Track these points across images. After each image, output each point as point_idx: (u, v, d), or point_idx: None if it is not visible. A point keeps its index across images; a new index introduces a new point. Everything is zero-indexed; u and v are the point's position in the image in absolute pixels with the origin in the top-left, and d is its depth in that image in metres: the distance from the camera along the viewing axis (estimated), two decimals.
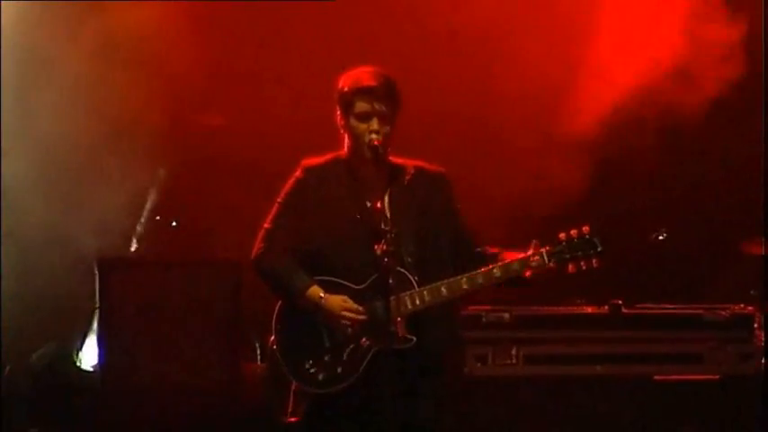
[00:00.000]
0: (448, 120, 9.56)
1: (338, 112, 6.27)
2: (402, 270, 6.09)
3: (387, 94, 6.17)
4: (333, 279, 6.10)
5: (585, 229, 6.08)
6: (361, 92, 6.18)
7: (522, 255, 6.11)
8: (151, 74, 9.60)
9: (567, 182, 9.37)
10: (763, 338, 8.02)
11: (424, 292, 6.09)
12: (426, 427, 6.16)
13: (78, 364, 9.08)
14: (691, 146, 9.51)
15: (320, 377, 6.07)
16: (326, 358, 6.08)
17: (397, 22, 9.77)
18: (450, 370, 6.44)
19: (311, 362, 6.09)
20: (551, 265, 6.08)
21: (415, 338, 6.03)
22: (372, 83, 6.17)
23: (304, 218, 6.18)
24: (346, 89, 6.21)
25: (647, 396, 8.09)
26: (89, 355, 9.02)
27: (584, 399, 8.11)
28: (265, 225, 6.23)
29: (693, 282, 9.27)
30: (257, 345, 9.14)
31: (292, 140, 9.16)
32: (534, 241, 6.12)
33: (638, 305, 8.27)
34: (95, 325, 8.80)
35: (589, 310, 8.26)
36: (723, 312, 8.19)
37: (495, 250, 6.24)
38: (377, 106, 6.16)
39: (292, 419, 6.14)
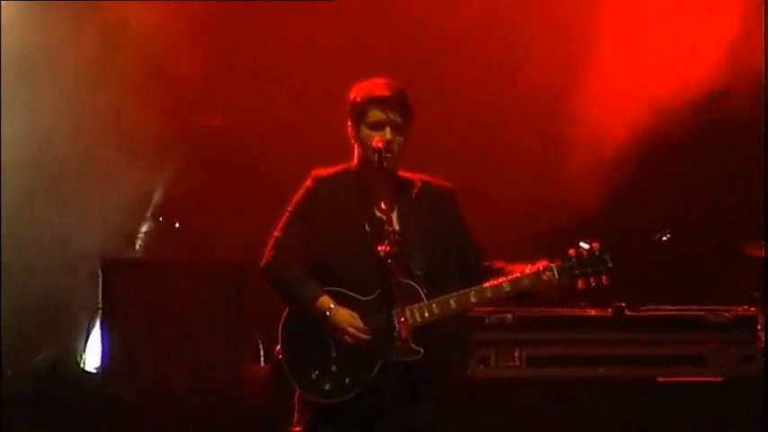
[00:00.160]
0: (450, 121, 9.55)
1: (349, 123, 6.25)
2: (411, 282, 6.09)
3: (400, 104, 6.17)
4: (341, 290, 6.10)
5: (595, 245, 6.11)
6: (375, 101, 6.18)
7: (531, 270, 6.12)
8: (153, 74, 9.59)
9: (571, 186, 9.39)
10: (764, 340, 8.03)
11: (433, 305, 6.09)
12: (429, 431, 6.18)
13: (81, 365, 9.08)
14: (692, 147, 9.50)
15: (327, 387, 6.06)
16: (333, 368, 6.07)
17: (397, 24, 9.76)
18: (454, 375, 6.46)
19: (317, 371, 6.08)
20: (561, 281, 6.10)
21: (422, 351, 6.03)
22: (386, 93, 6.18)
23: (314, 228, 6.18)
24: (359, 99, 6.20)
25: (650, 398, 8.09)
26: (92, 357, 9.01)
27: (587, 400, 8.11)
28: (275, 233, 6.23)
29: (696, 283, 9.28)
30: (260, 346, 9.14)
31: (295, 142, 9.19)
32: (544, 260, 6.14)
33: (641, 307, 8.27)
34: (98, 326, 8.78)
35: (592, 312, 8.26)
36: (726, 314, 8.20)
37: (500, 264, 6.26)
38: (390, 116, 6.16)
39: (297, 429, 6.15)
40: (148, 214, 9.84)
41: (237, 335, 8.70)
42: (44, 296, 9.33)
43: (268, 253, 6.21)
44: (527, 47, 9.64)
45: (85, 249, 9.31)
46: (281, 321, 6.18)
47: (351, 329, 6.03)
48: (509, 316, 8.19)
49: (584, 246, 6.15)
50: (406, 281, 6.09)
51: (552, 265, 6.12)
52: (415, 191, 6.29)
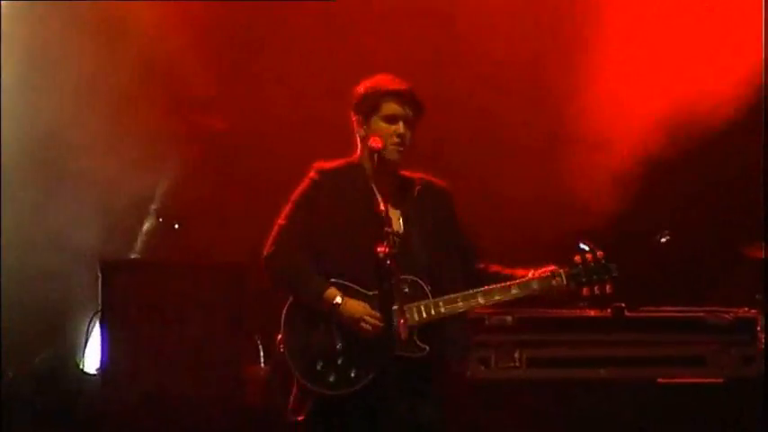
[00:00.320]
0: (451, 121, 9.55)
1: (357, 117, 6.26)
2: (416, 279, 6.11)
3: (414, 99, 6.23)
4: (346, 283, 6.11)
5: (600, 253, 6.18)
6: (391, 94, 6.21)
7: (540, 274, 6.17)
8: (154, 75, 9.59)
9: (575, 187, 9.39)
10: (765, 341, 8.03)
11: (440, 303, 6.13)
12: (432, 430, 6.19)
13: (81, 367, 9.07)
14: (693, 147, 9.50)
15: (332, 378, 6.07)
16: (339, 361, 6.08)
17: (400, 23, 9.76)
18: (453, 373, 6.48)
19: (322, 363, 6.08)
20: (569, 287, 6.16)
21: (428, 348, 6.05)
22: (402, 86, 6.23)
23: (317, 219, 6.18)
24: (374, 90, 6.22)
25: (651, 399, 8.09)
26: (92, 358, 9.00)
27: (588, 401, 8.11)
28: (280, 222, 6.22)
29: (697, 284, 9.28)
30: (260, 347, 9.14)
31: (296, 143, 9.17)
32: (551, 265, 6.19)
33: (641, 308, 8.26)
34: (98, 327, 8.77)
35: (592, 313, 8.25)
36: (726, 315, 8.19)
37: (496, 268, 6.31)
38: (405, 110, 6.20)
39: (299, 418, 6.14)
40: (149, 215, 9.83)
41: (238, 336, 8.68)
42: (44, 298, 9.33)
43: (272, 241, 6.20)
44: (531, 45, 9.64)
45: (85, 250, 9.31)
46: (284, 312, 6.17)
47: (368, 317, 6.04)
48: (509, 317, 8.19)
49: (585, 248, 6.20)
50: (412, 277, 6.11)
51: (561, 271, 6.18)
52: (417, 190, 6.31)
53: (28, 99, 9.54)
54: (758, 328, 8.06)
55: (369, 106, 6.25)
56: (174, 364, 8.53)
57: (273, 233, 6.22)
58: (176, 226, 9.76)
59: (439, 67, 9.67)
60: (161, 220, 9.79)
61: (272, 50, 9.91)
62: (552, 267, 6.23)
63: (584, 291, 6.19)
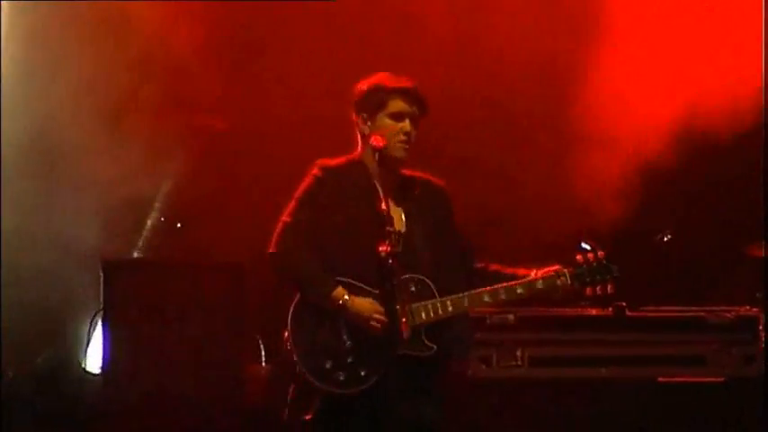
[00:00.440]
0: (452, 121, 9.56)
1: (361, 114, 6.25)
2: (423, 278, 6.12)
3: (420, 98, 6.22)
4: (351, 281, 6.11)
5: (601, 253, 6.21)
6: (398, 91, 6.21)
7: (544, 274, 6.20)
8: (155, 74, 9.59)
9: (578, 183, 9.41)
10: (765, 340, 8.04)
11: (447, 302, 6.14)
12: (434, 428, 6.19)
13: (83, 366, 9.07)
14: (695, 147, 9.51)
15: (341, 377, 6.06)
16: (349, 359, 6.07)
17: (403, 22, 9.76)
18: (455, 371, 6.50)
19: (331, 362, 6.07)
20: (574, 287, 6.20)
21: (435, 347, 6.06)
22: (410, 84, 6.22)
23: (321, 216, 6.18)
24: (380, 88, 6.21)
25: (652, 398, 8.09)
26: (94, 358, 8.99)
27: (589, 400, 8.12)
28: (285, 218, 6.21)
29: (698, 284, 9.29)
30: (261, 346, 9.15)
31: (297, 143, 9.16)
32: (556, 265, 6.21)
33: (642, 307, 8.28)
34: (100, 327, 8.76)
35: (594, 312, 8.27)
36: (727, 315, 8.20)
37: (496, 267, 6.32)
38: (413, 107, 6.20)
39: (306, 417, 6.13)
40: (151, 215, 9.82)
41: (239, 335, 8.68)
42: (44, 297, 9.32)
43: (277, 239, 6.18)
44: (540, 44, 9.65)
45: (87, 250, 9.30)
46: (291, 310, 6.15)
47: (377, 315, 6.04)
48: (511, 316, 8.20)
49: (587, 248, 6.23)
50: (419, 276, 6.12)
51: (565, 270, 6.21)
52: (418, 189, 6.32)
53: (28, 98, 9.53)
54: (759, 327, 8.06)
55: (375, 103, 6.24)
56: (176, 363, 8.51)
57: (278, 230, 6.21)
58: (178, 225, 9.76)
59: (446, 65, 9.67)
60: (163, 219, 9.79)
61: (272, 50, 9.91)
62: (556, 267, 6.26)
63: (588, 290, 6.24)
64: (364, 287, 6.10)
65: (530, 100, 9.66)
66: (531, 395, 8.13)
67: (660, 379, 8.11)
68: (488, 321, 8.18)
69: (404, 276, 6.04)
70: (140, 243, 9.78)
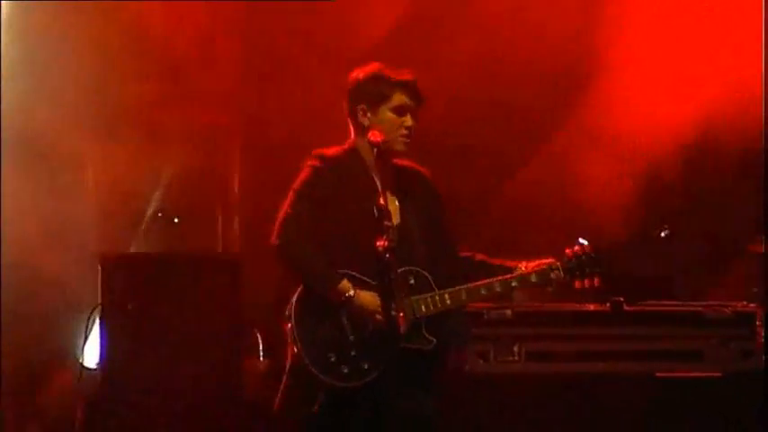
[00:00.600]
0: (454, 119, 9.57)
1: (360, 105, 6.23)
2: (421, 270, 6.13)
3: (419, 91, 6.23)
4: (353, 274, 6.11)
5: (588, 247, 6.24)
6: (402, 85, 6.21)
7: (537, 267, 6.23)
8: (154, 70, 9.60)
9: (579, 180, 9.42)
10: (764, 335, 8.03)
11: (446, 295, 6.16)
12: (432, 421, 6.21)
13: (81, 361, 9.07)
14: (694, 144, 9.53)
15: (345, 370, 6.07)
16: (352, 352, 6.08)
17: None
18: (452, 363, 6.51)
19: (335, 355, 6.08)
20: (566, 280, 6.24)
21: (435, 340, 6.08)
22: (412, 77, 6.22)
23: (321, 207, 6.18)
24: (382, 80, 6.20)
25: (649, 393, 8.09)
26: (92, 353, 9.00)
27: (586, 395, 8.11)
28: (286, 210, 6.20)
29: (697, 279, 9.30)
30: (259, 340, 9.15)
31: (295, 137, 9.17)
32: (549, 258, 6.25)
33: (639, 302, 8.27)
34: (97, 322, 8.77)
35: (591, 307, 8.26)
36: (725, 310, 8.20)
37: (482, 257, 6.35)
38: (414, 101, 6.21)
39: (310, 411, 6.14)
40: (148, 209, 9.83)
41: (237, 330, 8.69)
42: (42, 293, 9.33)
43: (281, 230, 6.16)
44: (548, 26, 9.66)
45: (84, 245, 9.32)
46: (294, 303, 6.14)
47: (381, 310, 6.05)
48: (508, 311, 8.19)
49: (585, 242, 6.28)
50: (417, 269, 6.13)
51: (558, 264, 6.24)
52: (410, 180, 6.32)
53: (28, 98, 9.54)
54: (757, 323, 8.06)
55: (376, 95, 6.23)
56: (173, 357, 8.52)
57: (279, 222, 6.20)
58: (176, 220, 9.76)
59: (448, 64, 9.68)
60: (160, 214, 9.80)
61: (273, 49, 9.92)
62: (549, 260, 6.29)
63: (577, 284, 6.30)
64: (366, 280, 6.11)
65: (530, 99, 9.66)
66: (529, 390, 8.12)
67: (658, 374, 8.09)
68: (486, 316, 8.17)
69: (402, 269, 6.05)
70: (137, 238, 9.78)
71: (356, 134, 6.31)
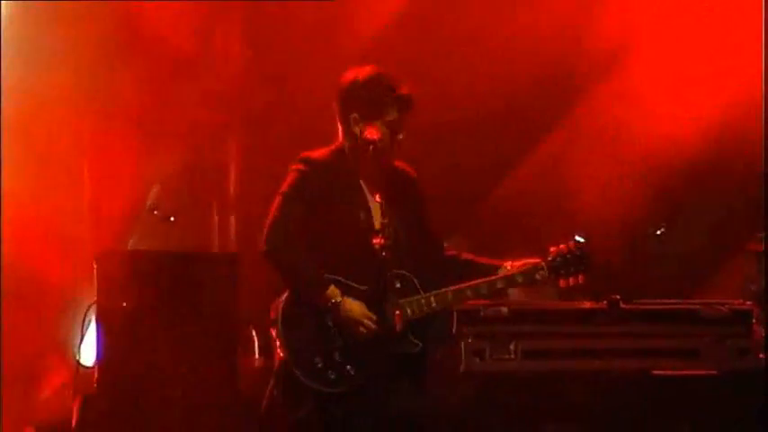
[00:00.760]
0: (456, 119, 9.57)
1: (353, 114, 6.21)
2: (406, 273, 6.13)
3: (413, 104, 6.21)
4: (339, 278, 6.10)
5: (572, 244, 6.25)
6: (401, 100, 6.17)
7: (523, 267, 6.23)
8: (152, 68, 9.61)
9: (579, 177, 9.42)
10: (761, 334, 8.02)
11: (431, 298, 6.17)
12: (424, 422, 6.20)
13: (77, 359, 9.08)
14: (694, 143, 9.52)
15: (332, 376, 6.07)
16: (337, 357, 6.08)
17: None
18: (442, 365, 6.51)
19: (322, 360, 6.08)
20: (551, 279, 6.24)
21: (420, 344, 6.08)
22: (408, 92, 6.17)
23: (308, 211, 6.18)
24: (381, 93, 6.15)
25: (645, 391, 8.08)
26: (88, 350, 9.01)
27: (582, 393, 8.10)
28: (274, 214, 6.19)
29: (693, 277, 9.29)
30: (255, 338, 9.15)
31: (292, 136, 9.17)
32: (535, 257, 6.25)
33: (636, 300, 8.26)
34: (93, 319, 8.78)
35: (587, 304, 8.24)
36: (721, 308, 8.18)
37: (468, 257, 6.35)
38: (408, 115, 6.18)
39: (297, 415, 6.14)
40: (145, 207, 9.84)
41: (233, 328, 8.69)
42: (40, 291, 9.34)
43: (269, 234, 6.18)
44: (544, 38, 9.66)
45: (80, 242, 9.32)
46: (281, 308, 6.15)
47: (366, 321, 6.05)
48: (504, 309, 8.15)
49: (581, 240, 6.28)
50: (401, 272, 6.12)
51: (543, 264, 6.24)
52: (399, 182, 6.32)
53: (28, 97, 9.55)
54: (753, 321, 8.05)
55: (373, 109, 6.21)
56: (170, 355, 8.53)
57: (267, 227, 6.21)
58: (172, 218, 9.77)
59: (448, 63, 9.68)
60: (156, 212, 9.80)
61: (271, 47, 9.92)
62: (535, 260, 6.29)
63: (562, 282, 6.30)
64: (353, 285, 6.11)
65: (528, 98, 9.66)
66: (525, 388, 8.11)
67: (654, 372, 8.08)
68: (482, 314, 8.14)
69: (388, 273, 6.05)
70: (134, 236, 9.79)
71: (344, 136, 6.29)
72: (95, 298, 8.65)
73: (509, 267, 6.29)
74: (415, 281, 6.18)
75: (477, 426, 7.97)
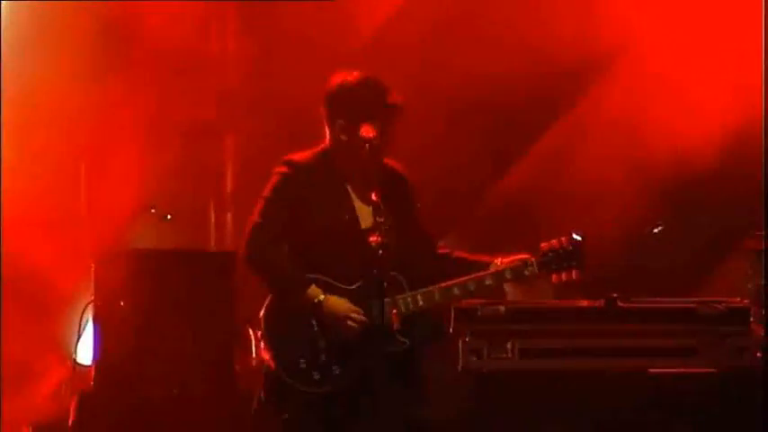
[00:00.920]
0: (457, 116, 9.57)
1: (339, 121, 6.18)
2: (393, 272, 6.11)
3: (401, 111, 6.18)
4: (325, 279, 6.09)
5: (564, 240, 6.22)
6: (396, 111, 6.14)
7: (513, 264, 6.21)
8: (150, 67, 9.61)
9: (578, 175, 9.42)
10: (759, 332, 8.01)
11: (418, 297, 6.15)
12: (417, 420, 6.20)
13: (74, 358, 9.08)
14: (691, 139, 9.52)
15: (316, 376, 6.07)
16: (322, 357, 6.08)
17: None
18: (434, 363, 6.50)
19: (305, 361, 6.08)
20: (540, 275, 6.21)
21: (408, 342, 6.06)
22: (398, 101, 6.14)
23: (291, 214, 6.16)
24: (371, 100, 6.12)
25: (643, 389, 8.07)
26: (85, 350, 9.01)
27: (580, 392, 8.08)
28: (254, 218, 6.19)
29: (691, 275, 9.28)
30: (252, 337, 9.14)
31: (288, 135, 9.17)
32: (524, 254, 6.22)
33: (633, 298, 8.24)
34: (91, 319, 8.78)
35: (585, 303, 8.23)
36: (719, 306, 8.16)
37: (460, 254, 6.33)
38: (394, 123, 6.16)
39: (284, 416, 6.14)
40: (142, 206, 9.83)
41: (230, 326, 8.69)
42: (39, 290, 9.34)
43: (249, 238, 6.18)
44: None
45: (79, 241, 9.32)
46: (264, 309, 6.16)
47: (353, 314, 6.03)
48: (502, 307, 8.13)
49: (579, 238, 6.25)
50: (389, 271, 6.11)
51: (533, 260, 6.20)
52: (390, 179, 6.30)
53: (27, 97, 9.55)
54: (751, 319, 8.03)
55: (359, 117, 6.18)
56: (167, 354, 8.53)
57: (247, 231, 6.20)
58: (168, 217, 9.77)
59: (455, 61, 9.68)
60: (153, 210, 9.80)
61: (267, 46, 9.92)
62: (524, 256, 6.26)
63: (554, 278, 6.27)
64: (339, 285, 6.10)
65: (527, 97, 9.66)
66: (522, 387, 8.10)
67: (651, 370, 8.07)
68: (479, 313, 8.13)
69: (375, 271, 6.03)
70: (131, 234, 9.78)
71: (331, 139, 6.27)
72: (92, 297, 8.61)
73: (498, 263, 6.26)
74: (403, 280, 6.16)
75: (473, 424, 7.96)
